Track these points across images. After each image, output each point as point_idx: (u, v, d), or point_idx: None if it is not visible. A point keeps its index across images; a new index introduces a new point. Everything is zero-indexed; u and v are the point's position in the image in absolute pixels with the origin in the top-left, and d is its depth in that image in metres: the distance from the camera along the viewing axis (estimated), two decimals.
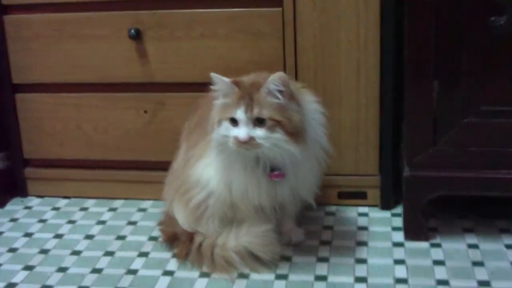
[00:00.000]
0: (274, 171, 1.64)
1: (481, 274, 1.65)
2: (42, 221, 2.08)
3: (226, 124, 1.59)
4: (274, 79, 1.55)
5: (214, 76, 1.60)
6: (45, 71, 2.12)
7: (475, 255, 1.74)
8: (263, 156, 1.61)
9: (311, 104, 1.68)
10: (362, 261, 1.74)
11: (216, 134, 1.62)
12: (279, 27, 1.91)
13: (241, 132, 1.56)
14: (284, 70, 1.92)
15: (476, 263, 1.70)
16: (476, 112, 1.70)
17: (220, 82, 1.61)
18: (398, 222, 1.93)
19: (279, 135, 1.56)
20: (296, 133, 1.57)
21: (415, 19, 1.67)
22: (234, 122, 1.58)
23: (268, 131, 1.56)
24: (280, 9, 1.90)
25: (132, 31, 1.99)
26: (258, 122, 1.56)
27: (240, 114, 1.56)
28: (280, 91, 1.56)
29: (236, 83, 1.60)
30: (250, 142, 1.56)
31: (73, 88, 2.13)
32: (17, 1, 2.08)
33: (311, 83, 1.90)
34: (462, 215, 1.94)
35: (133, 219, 2.06)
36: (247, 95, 1.57)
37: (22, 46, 2.11)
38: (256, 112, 1.55)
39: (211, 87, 1.63)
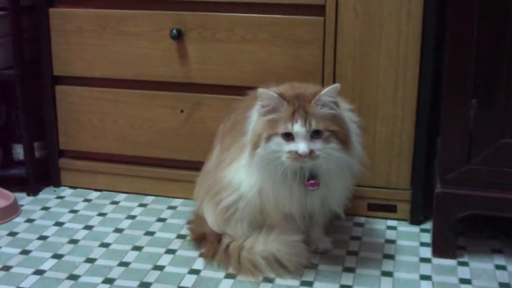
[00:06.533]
0: (310, 180, 1.64)
1: None
2: (73, 211, 2.11)
3: (278, 140, 1.58)
4: (330, 91, 1.56)
5: (262, 91, 1.59)
6: (85, 65, 2.15)
7: (502, 276, 1.72)
8: (314, 166, 1.61)
9: (345, 113, 1.69)
10: (388, 274, 1.74)
11: (263, 150, 1.60)
12: (320, 36, 1.92)
13: (302, 146, 1.55)
14: (322, 79, 1.93)
15: (503, 285, 1.68)
16: None
17: (269, 97, 1.59)
18: (427, 237, 1.92)
19: (334, 145, 1.58)
20: (347, 140, 1.60)
21: (456, 35, 1.66)
22: (288, 136, 1.58)
23: (324, 142, 1.57)
24: (322, 18, 1.90)
25: (174, 31, 2.01)
26: (315, 134, 1.57)
27: (298, 128, 1.56)
28: (335, 102, 1.58)
29: (283, 97, 1.59)
30: (311, 155, 1.56)
31: (112, 84, 2.16)
32: None
33: (348, 92, 1.90)
34: (492, 235, 1.92)
35: (162, 216, 2.08)
36: (301, 109, 1.57)
37: (65, 39, 2.15)
38: (314, 125, 1.56)
39: (258, 103, 1.61)
